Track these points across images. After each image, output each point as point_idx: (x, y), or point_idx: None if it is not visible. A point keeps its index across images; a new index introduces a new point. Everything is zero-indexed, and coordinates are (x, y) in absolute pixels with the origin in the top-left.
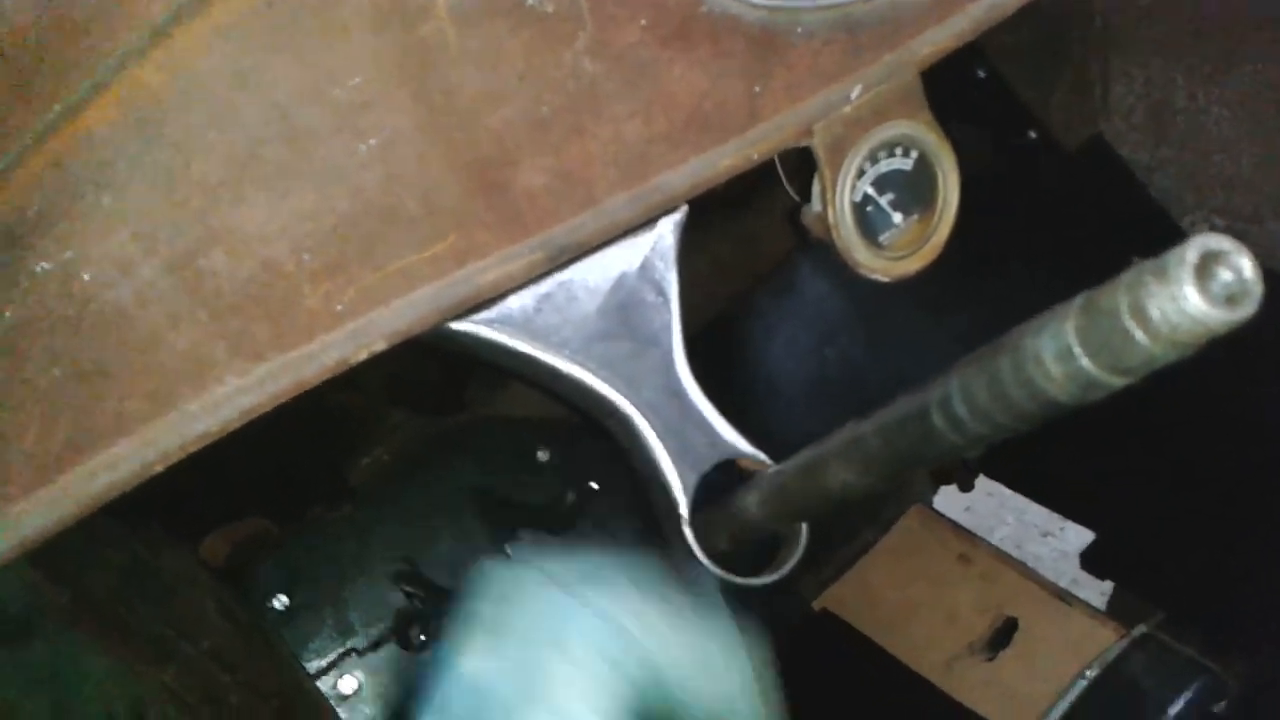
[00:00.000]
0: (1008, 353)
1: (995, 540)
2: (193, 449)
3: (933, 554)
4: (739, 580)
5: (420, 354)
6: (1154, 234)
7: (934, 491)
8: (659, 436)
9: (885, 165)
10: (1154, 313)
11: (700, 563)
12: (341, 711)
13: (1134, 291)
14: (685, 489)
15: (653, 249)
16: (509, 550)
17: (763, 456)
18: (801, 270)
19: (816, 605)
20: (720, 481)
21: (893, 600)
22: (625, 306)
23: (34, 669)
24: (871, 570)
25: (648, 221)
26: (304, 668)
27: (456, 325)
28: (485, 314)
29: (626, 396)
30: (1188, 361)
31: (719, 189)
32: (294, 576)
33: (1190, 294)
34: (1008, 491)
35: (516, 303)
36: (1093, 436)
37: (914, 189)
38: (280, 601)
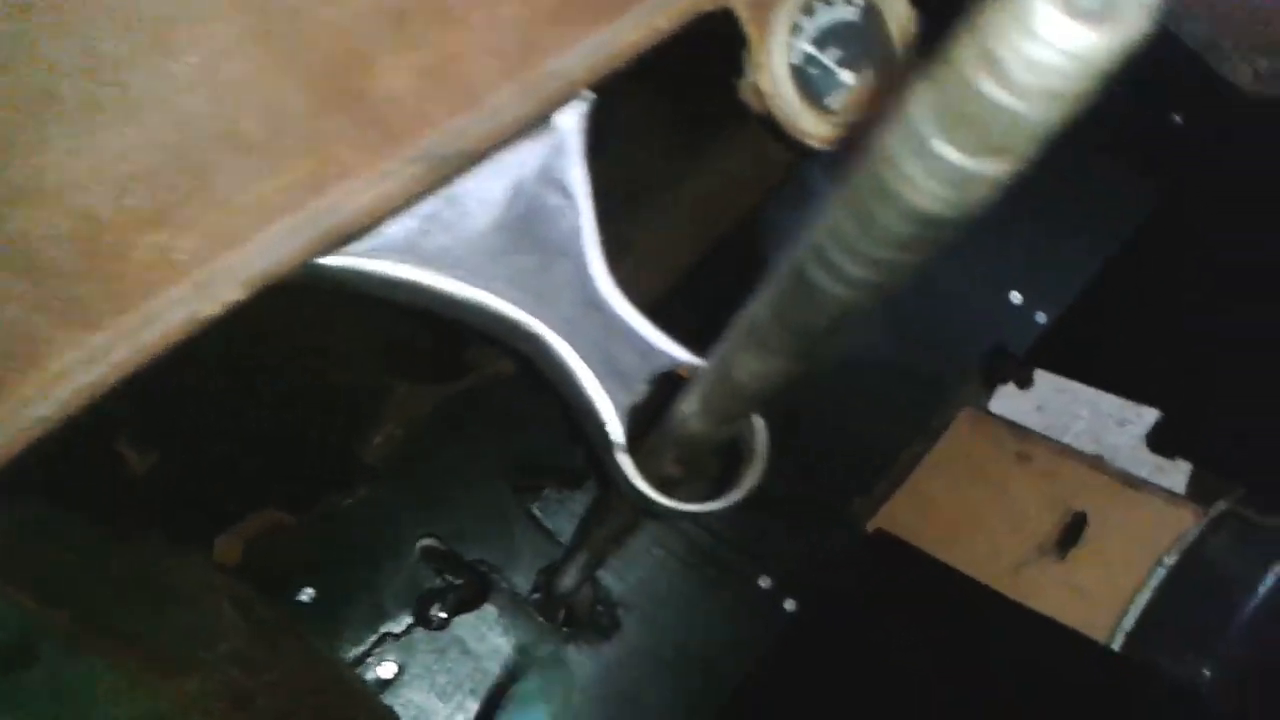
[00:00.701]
0: (864, 166)
1: (1071, 437)
2: (32, 439)
3: (988, 457)
4: (689, 508)
5: (403, 319)
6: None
7: (989, 395)
8: (581, 356)
9: (825, 17)
10: (1007, 54)
11: (643, 494)
12: (385, 698)
13: (979, 35)
14: (618, 411)
15: (553, 147)
16: (535, 511)
17: (701, 362)
18: (812, 175)
19: (870, 527)
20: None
21: (950, 511)
22: (527, 216)
23: (35, 694)
24: (924, 482)
25: (544, 117)
26: (339, 659)
27: (330, 261)
28: (363, 244)
29: (537, 315)
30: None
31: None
32: (318, 566)
33: (1044, 13)
34: (1078, 385)
35: (398, 227)
36: (1153, 311)
37: (864, 41)
38: (307, 594)
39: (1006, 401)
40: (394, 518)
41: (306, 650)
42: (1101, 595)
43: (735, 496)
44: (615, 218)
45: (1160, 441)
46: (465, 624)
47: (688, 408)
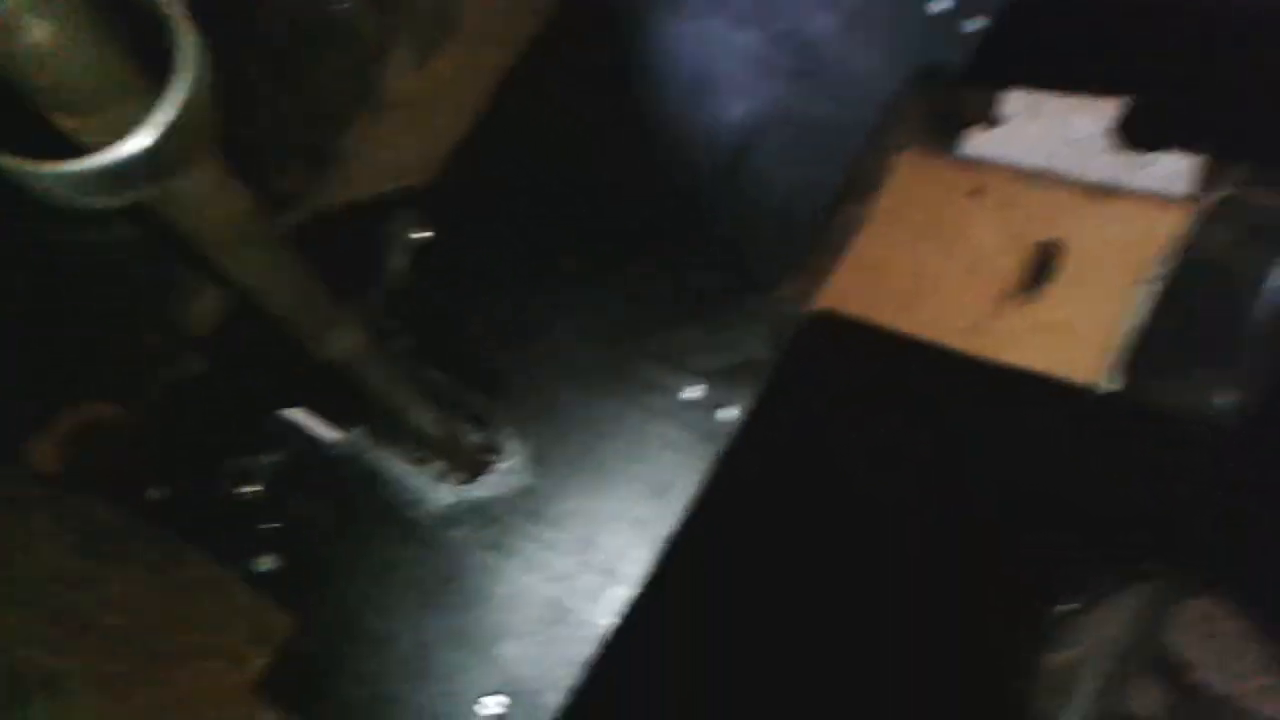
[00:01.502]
0: None
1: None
2: None
3: (938, 202)
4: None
5: None
6: None
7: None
8: None
9: None
10: None
11: None
12: (267, 594)
13: None
14: None
15: None
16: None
17: None
18: None
19: (808, 308)
20: None
21: (902, 272)
22: None
23: None
24: (869, 247)
25: None
26: (204, 559)
27: None
28: None
29: None
30: None
31: None
32: (165, 459)
33: None
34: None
35: None
36: None
37: None
38: (158, 493)
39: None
40: (242, 392)
41: (165, 554)
42: (1084, 331)
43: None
44: None
45: (1134, 133)
46: (350, 500)
47: None
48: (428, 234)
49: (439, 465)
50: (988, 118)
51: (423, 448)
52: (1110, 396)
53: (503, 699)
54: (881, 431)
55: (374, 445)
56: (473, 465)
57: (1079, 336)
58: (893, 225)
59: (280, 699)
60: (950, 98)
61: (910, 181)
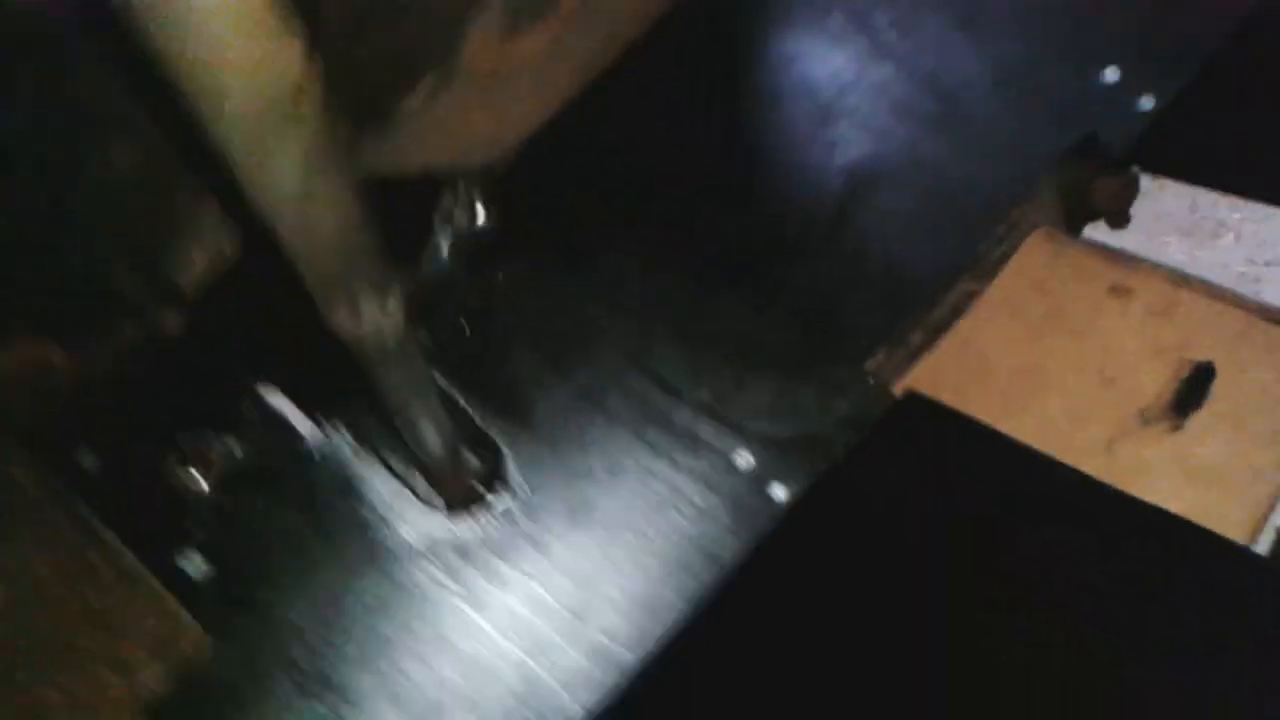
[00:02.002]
0: None
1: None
2: None
3: (1070, 293)
4: None
5: None
6: None
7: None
8: None
9: None
10: None
11: None
12: (191, 608)
13: None
14: None
15: None
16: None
17: None
18: None
19: (897, 388)
20: None
21: (1014, 368)
22: None
23: None
24: (979, 330)
25: None
26: (118, 547)
27: None
28: None
29: None
30: None
31: None
32: (107, 422)
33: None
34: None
35: None
36: None
37: None
38: (91, 460)
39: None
40: (215, 365)
41: (77, 530)
42: (1236, 477)
43: None
44: None
45: None
46: (311, 509)
47: None
48: (480, 223)
49: (426, 488)
50: (1125, 210)
51: (413, 465)
52: (1263, 560)
53: None
54: (961, 549)
55: (356, 451)
56: (465, 496)
57: (1230, 484)
58: (1011, 312)
59: None
60: (1096, 181)
61: (1039, 266)
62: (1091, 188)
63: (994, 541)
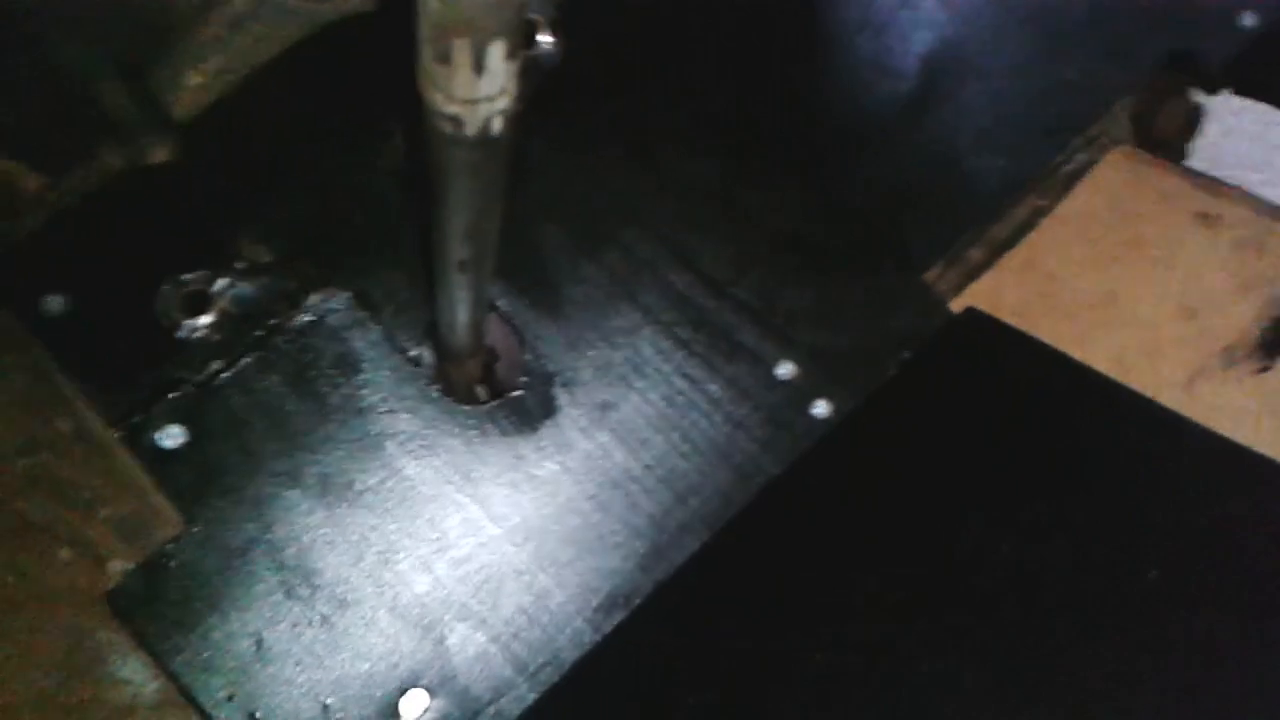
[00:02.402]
0: None
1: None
2: None
3: (1150, 215)
4: None
5: None
6: None
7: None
8: None
9: None
10: None
11: None
12: (159, 482)
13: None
14: None
15: None
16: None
17: None
18: None
19: (955, 304)
20: None
21: (1082, 292)
22: None
23: None
24: (1046, 249)
25: None
26: (88, 411)
27: None
28: None
29: None
30: None
31: None
32: (79, 261)
33: None
34: None
35: None
36: None
37: None
38: (57, 302)
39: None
40: (204, 197)
41: (39, 387)
42: None
43: None
44: None
45: None
46: (307, 383)
47: None
48: (548, 44)
49: (434, 371)
50: (1184, 142)
51: (426, 343)
52: None
53: (424, 697)
54: (1023, 481)
55: (360, 322)
56: (475, 385)
57: None
58: (1083, 233)
59: (131, 619)
60: (1163, 106)
61: (1117, 185)
62: (1157, 114)
63: (1058, 473)
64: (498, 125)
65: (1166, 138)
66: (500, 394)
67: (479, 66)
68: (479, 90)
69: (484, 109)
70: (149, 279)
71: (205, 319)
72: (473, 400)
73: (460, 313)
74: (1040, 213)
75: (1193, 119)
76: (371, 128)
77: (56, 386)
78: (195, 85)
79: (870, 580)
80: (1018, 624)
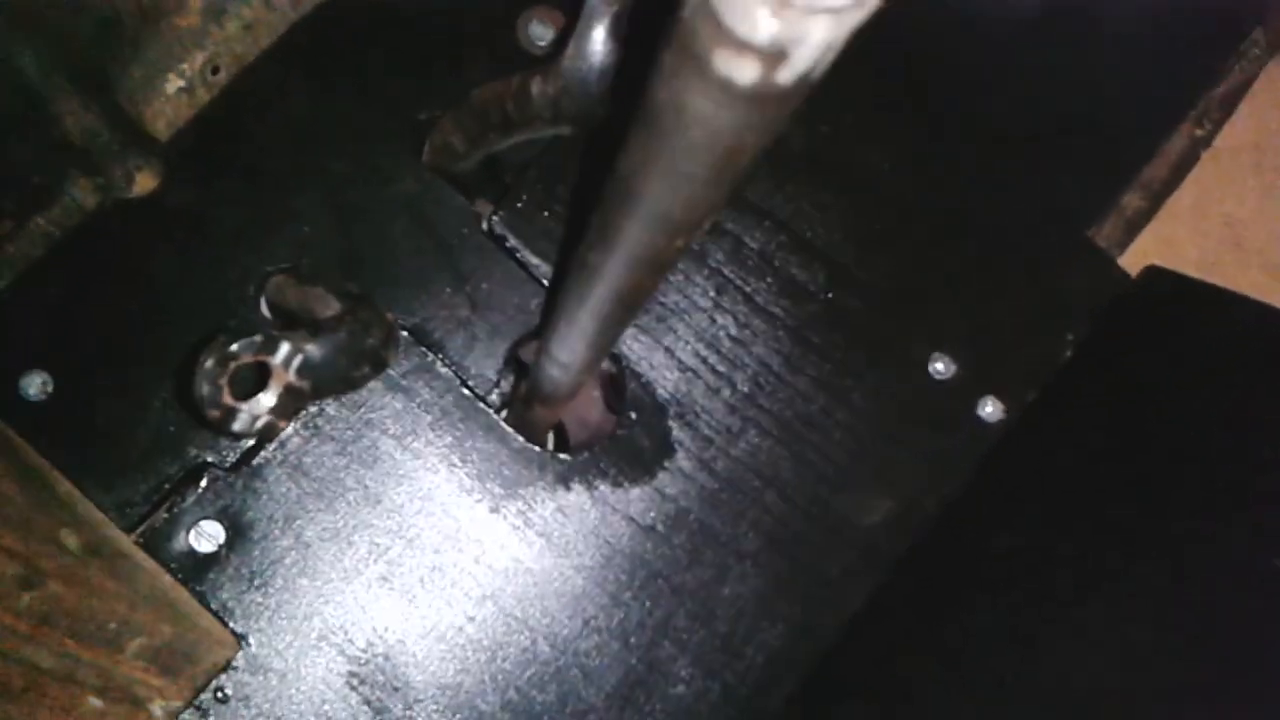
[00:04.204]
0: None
1: None
2: None
3: None
4: None
5: None
6: None
7: None
8: None
9: None
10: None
11: None
12: (196, 591)
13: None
14: None
15: None
16: (495, 221)
17: None
18: None
19: (1126, 265)
20: None
21: (1277, 228)
22: None
23: None
24: (1215, 186)
25: None
26: (89, 511)
27: None
28: None
29: None
30: None
31: None
32: (63, 331)
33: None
34: None
35: None
36: None
37: None
38: (37, 384)
39: None
40: (202, 231)
41: (40, 494)
42: None
43: None
44: None
45: None
46: (362, 446)
47: None
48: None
49: (514, 418)
50: None
51: (504, 383)
52: None
53: None
54: (1245, 467)
55: (426, 361)
56: (543, 438)
57: None
58: (1258, 163)
59: None
60: None
61: None
62: (1272, 11)
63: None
64: (831, 58)
65: None
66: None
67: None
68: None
69: (845, 22)
70: (148, 341)
71: (267, 398)
72: (543, 444)
73: (587, 351)
74: (1200, 143)
75: None
76: (405, 118)
77: (53, 491)
78: (175, 92)
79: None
80: None
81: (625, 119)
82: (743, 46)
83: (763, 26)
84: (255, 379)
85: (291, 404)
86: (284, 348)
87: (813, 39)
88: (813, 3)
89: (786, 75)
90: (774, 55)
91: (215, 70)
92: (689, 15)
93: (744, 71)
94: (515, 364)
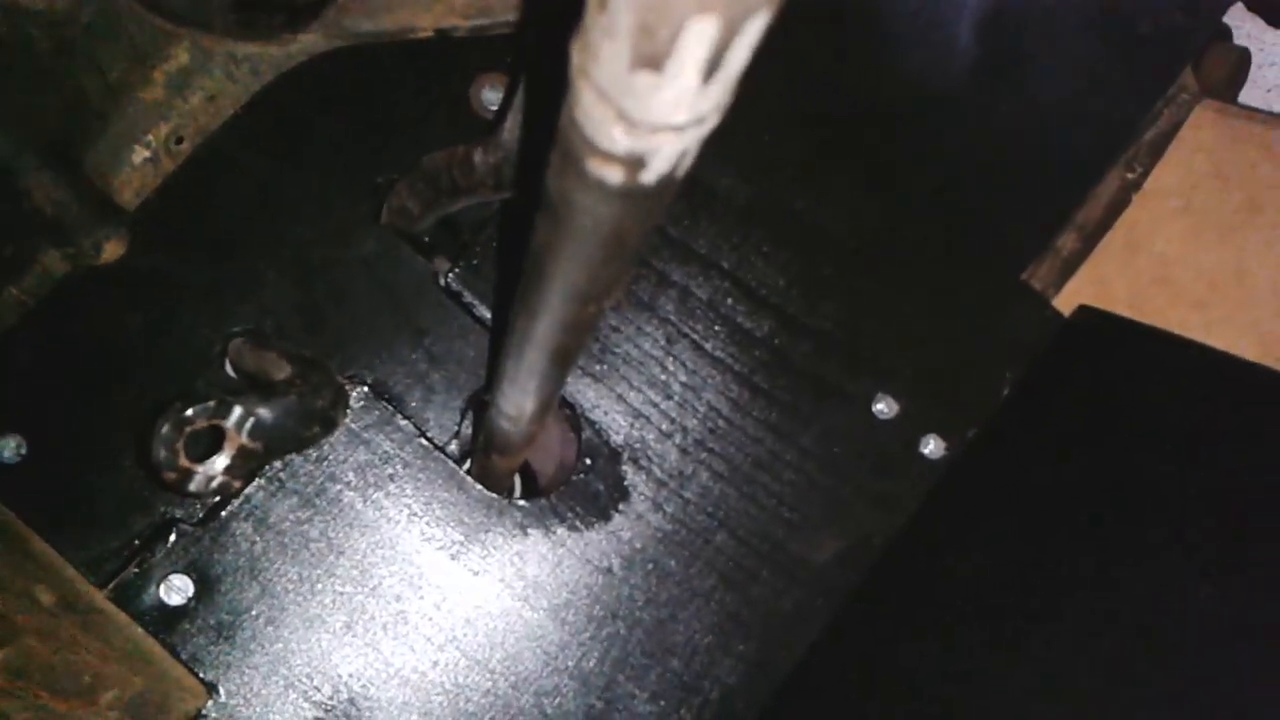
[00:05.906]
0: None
1: None
2: None
3: (1254, 175)
4: None
5: None
6: None
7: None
8: None
9: None
10: None
11: None
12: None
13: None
14: None
15: None
16: (450, 278)
17: None
18: None
19: (1061, 305)
20: None
21: (1206, 269)
22: None
23: None
24: (1146, 226)
25: None
26: (60, 567)
27: None
28: None
29: None
30: None
31: None
32: (32, 395)
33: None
34: None
35: None
36: None
37: None
38: (10, 447)
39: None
40: (168, 297)
41: (17, 554)
42: None
43: None
44: None
45: None
46: (325, 499)
47: None
48: (496, 97)
49: (476, 469)
50: (1231, 89)
51: (463, 434)
52: None
53: None
54: (1189, 507)
55: (386, 415)
56: (506, 486)
57: None
58: (1186, 204)
59: None
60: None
61: (1214, 144)
62: (1201, 56)
63: (1219, 490)
64: (689, 161)
65: (1210, 83)
66: (533, 484)
67: (713, 67)
68: (697, 107)
69: (688, 137)
70: (117, 403)
71: (221, 460)
72: (508, 492)
73: (531, 404)
74: (1131, 186)
75: (1241, 66)
76: (363, 183)
77: (27, 549)
78: (140, 163)
79: (1043, 655)
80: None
81: (534, 201)
82: (607, 156)
83: (619, 141)
84: (211, 440)
85: (245, 465)
86: (236, 411)
87: (664, 151)
88: (655, 123)
89: (649, 177)
90: (634, 162)
91: (179, 140)
92: (564, 125)
93: (612, 175)
94: (475, 414)
